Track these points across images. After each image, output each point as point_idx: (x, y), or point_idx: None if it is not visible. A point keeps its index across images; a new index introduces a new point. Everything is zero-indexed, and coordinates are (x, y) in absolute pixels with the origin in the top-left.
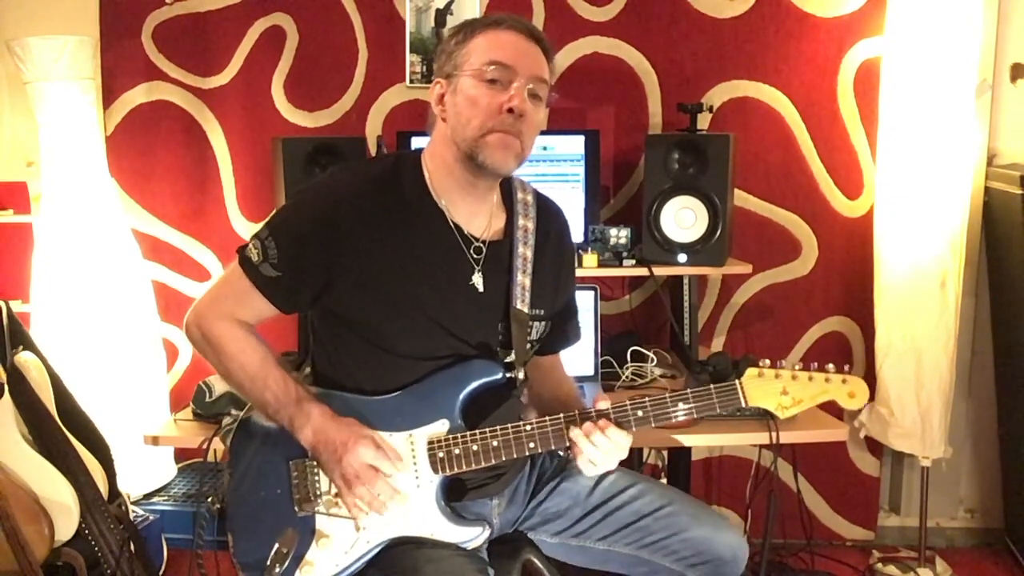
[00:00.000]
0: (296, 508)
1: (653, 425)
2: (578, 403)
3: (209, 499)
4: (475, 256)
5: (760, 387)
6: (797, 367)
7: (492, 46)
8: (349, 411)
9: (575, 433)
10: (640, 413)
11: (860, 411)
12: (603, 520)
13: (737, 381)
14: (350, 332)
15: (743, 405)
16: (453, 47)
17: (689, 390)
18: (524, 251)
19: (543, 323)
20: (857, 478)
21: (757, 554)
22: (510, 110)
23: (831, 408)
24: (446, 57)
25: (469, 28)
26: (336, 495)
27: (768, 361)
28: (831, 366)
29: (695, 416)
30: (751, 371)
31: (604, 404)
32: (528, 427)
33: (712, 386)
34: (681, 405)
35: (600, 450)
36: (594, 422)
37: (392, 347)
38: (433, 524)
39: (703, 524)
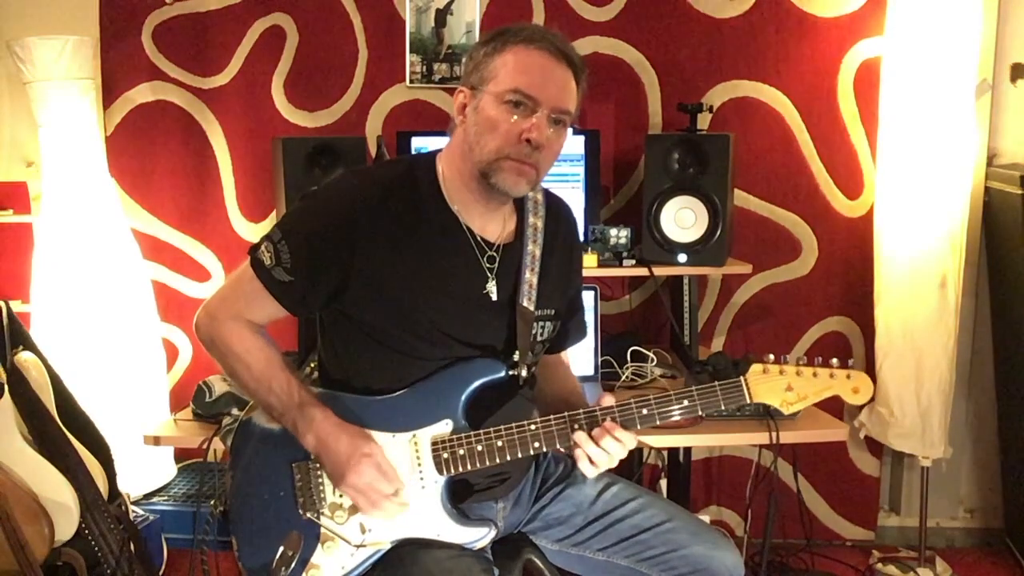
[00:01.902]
0: (300, 511)
1: (658, 423)
2: (582, 401)
3: (212, 503)
4: (488, 265)
5: (765, 383)
6: (801, 362)
7: (520, 69)
8: (351, 413)
9: (579, 436)
10: (645, 411)
11: (860, 411)
12: (604, 531)
13: (742, 378)
14: (361, 334)
15: (748, 402)
16: (482, 57)
17: (694, 388)
18: (533, 249)
19: (552, 323)
20: (857, 478)
21: (757, 554)
22: (528, 140)
23: (831, 408)
24: (473, 66)
25: (500, 40)
26: (341, 498)
27: (772, 356)
28: (835, 361)
29: (700, 414)
30: (755, 367)
31: (609, 401)
32: (532, 427)
33: (717, 383)
34: (686, 403)
35: (607, 452)
36: (601, 424)
37: (405, 348)
38: (439, 525)
39: (702, 542)
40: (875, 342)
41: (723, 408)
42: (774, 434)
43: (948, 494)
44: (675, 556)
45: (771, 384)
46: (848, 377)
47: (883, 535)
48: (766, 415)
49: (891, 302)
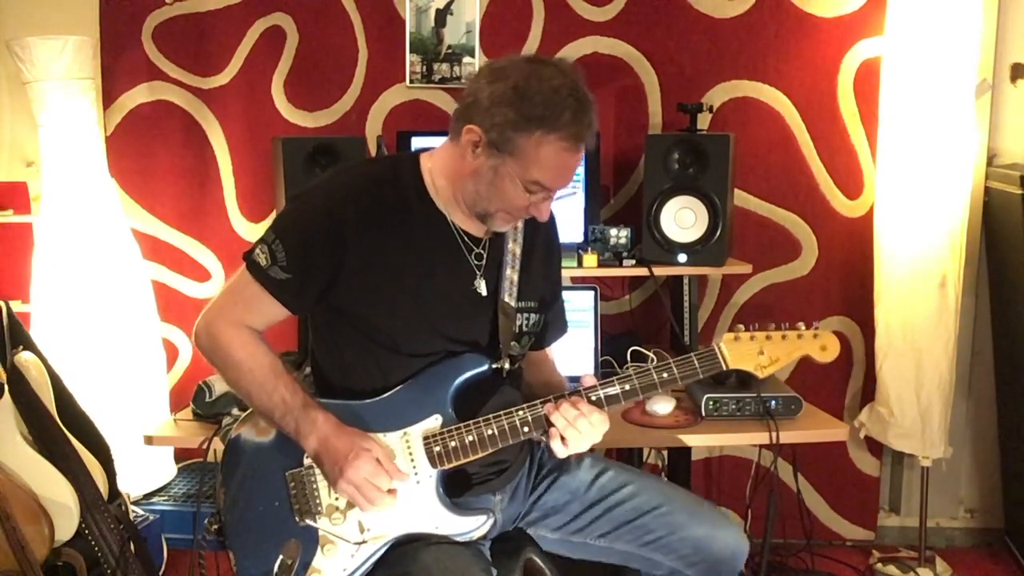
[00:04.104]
0: (297, 519)
1: (641, 397)
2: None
3: (207, 521)
4: (476, 262)
5: (738, 349)
6: (771, 327)
7: (547, 166)
8: (344, 417)
9: (547, 407)
10: (627, 386)
11: (861, 411)
12: (602, 516)
13: (716, 345)
14: (352, 328)
15: (724, 368)
16: (508, 123)
17: (672, 360)
18: (513, 248)
19: (536, 315)
20: (857, 478)
21: (757, 554)
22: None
23: (831, 408)
24: (496, 125)
25: (528, 116)
26: (337, 500)
27: (742, 326)
28: (801, 324)
29: (679, 384)
30: (728, 335)
31: (591, 382)
32: (520, 412)
33: (693, 353)
34: (665, 375)
35: (571, 424)
36: (566, 398)
37: (392, 344)
38: (436, 518)
39: (701, 522)
40: (875, 342)
41: (701, 377)
42: (774, 434)
43: (948, 494)
44: (675, 538)
45: (744, 349)
46: (815, 336)
47: (883, 535)
48: (766, 415)
49: (891, 302)
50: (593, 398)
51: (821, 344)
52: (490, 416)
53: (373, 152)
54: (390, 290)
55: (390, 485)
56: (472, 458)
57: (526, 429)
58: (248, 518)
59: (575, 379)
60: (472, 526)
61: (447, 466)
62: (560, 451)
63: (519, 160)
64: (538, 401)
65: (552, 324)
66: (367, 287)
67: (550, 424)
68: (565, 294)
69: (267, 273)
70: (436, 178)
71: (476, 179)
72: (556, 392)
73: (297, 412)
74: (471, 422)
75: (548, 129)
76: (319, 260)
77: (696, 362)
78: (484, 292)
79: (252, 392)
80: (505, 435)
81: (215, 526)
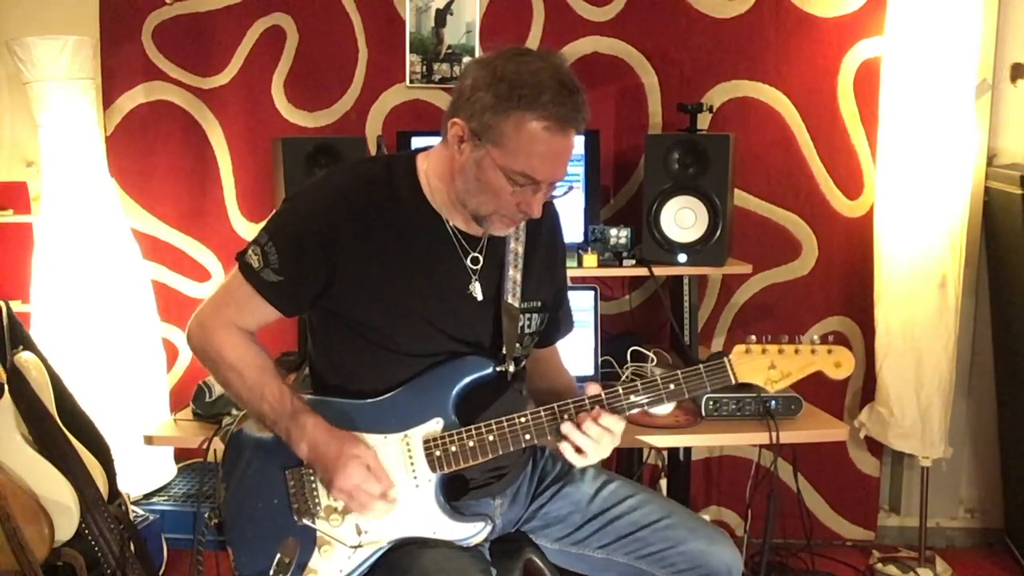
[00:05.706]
0: (295, 517)
1: (647, 408)
2: (574, 394)
3: (207, 514)
4: (472, 266)
5: (748, 363)
6: (783, 340)
7: (530, 152)
8: (343, 418)
9: (566, 427)
10: (633, 397)
11: (861, 411)
12: (602, 529)
13: (725, 358)
14: (349, 331)
15: (732, 382)
16: (487, 108)
17: (679, 371)
18: (515, 246)
19: (540, 315)
20: (857, 478)
21: (757, 554)
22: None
23: (831, 408)
24: (476, 113)
25: (507, 97)
26: (335, 501)
27: (754, 337)
28: (816, 337)
29: (686, 396)
30: (738, 348)
31: (595, 390)
32: (523, 419)
33: (701, 365)
34: (672, 386)
35: (592, 439)
36: (587, 411)
37: (392, 345)
38: (434, 523)
39: (700, 538)
40: (875, 342)
41: (709, 390)
42: (774, 434)
43: (948, 494)
44: (673, 552)
45: (754, 363)
46: (829, 352)
47: (883, 535)
48: (766, 415)
49: (891, 302)
50: (607, 407)
51: (836, 360)
52: (492, 422)
53: (373, 152)
54: (387, 291)
55: (381, 490)
56: (472, 464)
57: (528, 436)
58: (247, 514)
59: (578, 380)
60: (470, 532)
61: (447, 471)
62: (578, 461)
63: (502, 148)
64: (541, 408)
65: (558, 322)
66: (363, 289)
67: (565, 438)
68: None
69: (259, 275)
70: (431, 179)
71: (464, 176)
72: (561, 398)
73: (287, 418)
74: (472, 427)
75: (527, 108)
76: (312, 263)
77: (705, 375)
78: (480, 296)
79: (243, 395)
80: (507, 442)
81: (215, 521)
